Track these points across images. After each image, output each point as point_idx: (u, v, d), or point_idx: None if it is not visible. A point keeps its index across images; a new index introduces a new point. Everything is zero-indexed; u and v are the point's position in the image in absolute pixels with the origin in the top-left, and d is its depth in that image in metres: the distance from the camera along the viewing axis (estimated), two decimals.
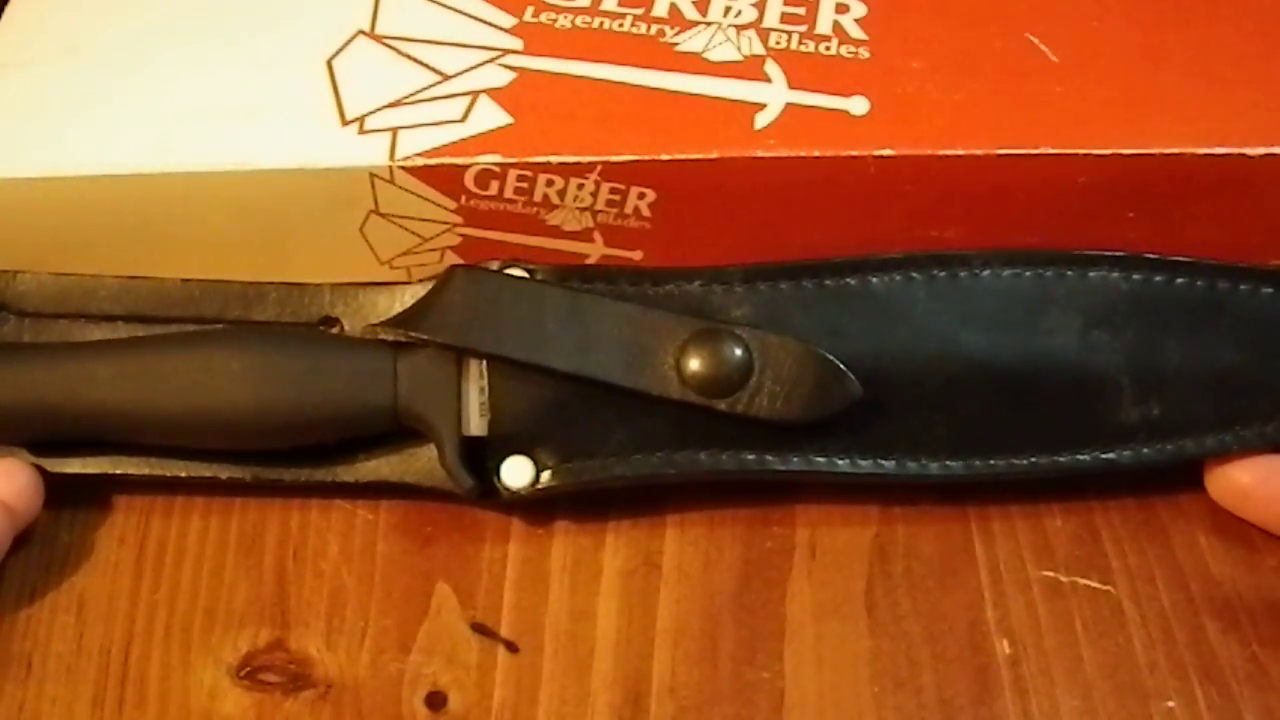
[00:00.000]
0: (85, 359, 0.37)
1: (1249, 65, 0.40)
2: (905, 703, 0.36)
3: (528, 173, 0.39)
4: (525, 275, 0.38)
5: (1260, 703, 0.35)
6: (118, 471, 0.39)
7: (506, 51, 0.41)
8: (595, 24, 0.42)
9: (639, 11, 0.42)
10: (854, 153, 0.38)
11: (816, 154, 0.38)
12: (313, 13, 0.42)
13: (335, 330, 0.40)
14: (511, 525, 0.39)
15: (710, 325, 0.37)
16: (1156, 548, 0.38)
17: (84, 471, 0.39)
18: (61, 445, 0.38)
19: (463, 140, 0.39)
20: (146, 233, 0.40)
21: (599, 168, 0.39)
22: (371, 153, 0.39)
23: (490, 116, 0.39)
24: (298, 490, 0.39)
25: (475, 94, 0.40)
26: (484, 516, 0.39)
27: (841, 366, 0.37)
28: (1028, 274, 0.38)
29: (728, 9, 0.42)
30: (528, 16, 0.42)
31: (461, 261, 0.41)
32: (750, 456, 0.38)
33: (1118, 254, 0.38)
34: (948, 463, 0.38)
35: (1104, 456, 0.38)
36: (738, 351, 0.37)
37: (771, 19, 0.42)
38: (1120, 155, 0.38)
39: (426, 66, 0.41)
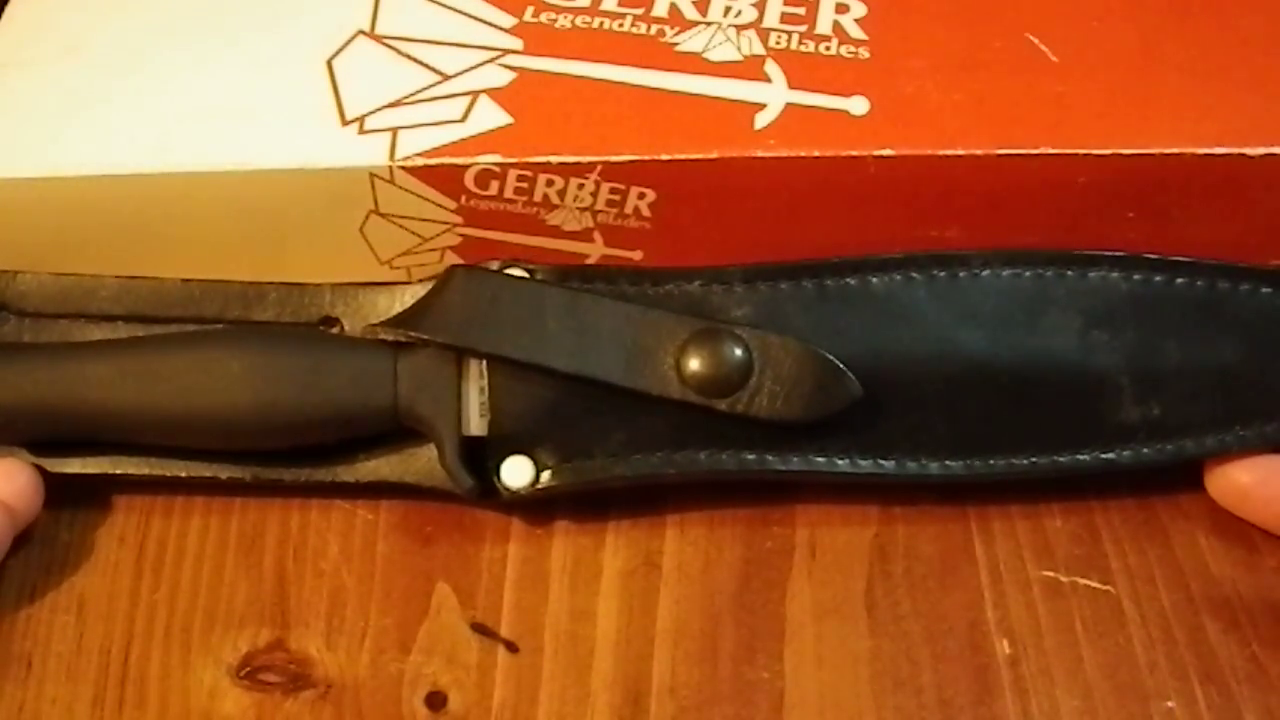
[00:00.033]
0: (85, 359, 0.37)
1: (1249, 65, 0.40)
2: (905, 703, 0.36)
3: (528, 173, 0.39)
4: (525, 275, 0.38)
5: (1260, 703, 0.35)
6: (118, 471, 0.39)
7: (506, 51, 0.41)
8: (595, 24, 0.42)
9: (639, 11, 0.42)
10: (854, 153, 0.38)
11: (816, 154, 0.38)
12: (313, 13, 0.42)
13: (335, 330, 0.40)
14: (511, 525, 0.39)
15: (710, 325, 0.37)
16: (1156, 548, 0.38)
17: (84, 471, 0.39)
18: (61, 445, 0.38)
19: (463, 140, 0.39)
20: (146, 233, 0.40)
21: (599, 168, 0.39)
22: (371, 153, 0.39)
23: (490, 116, 0.39)
24: (298, 490, 0.39)
25: (475, 94, 0.40)
26: (484, 516, 0.39)
27: (841, 366, 0.37)
28: (1028, 274, 0.38)
29: (728, 9, 0.42)
30: (528, 16, 0.42)
31: (461, 261, 0.41)
32: (750, 456, 0.38)
33: (1118, 254, 0.38)
34: (948, 463, 0.38)
35: (1104, 456, 0.38)
36: (738, 351, 0.37)
37: (771, 19, 0.42)
38: (1120, 155, 0.38)
39: (426, 66, 0.41)
